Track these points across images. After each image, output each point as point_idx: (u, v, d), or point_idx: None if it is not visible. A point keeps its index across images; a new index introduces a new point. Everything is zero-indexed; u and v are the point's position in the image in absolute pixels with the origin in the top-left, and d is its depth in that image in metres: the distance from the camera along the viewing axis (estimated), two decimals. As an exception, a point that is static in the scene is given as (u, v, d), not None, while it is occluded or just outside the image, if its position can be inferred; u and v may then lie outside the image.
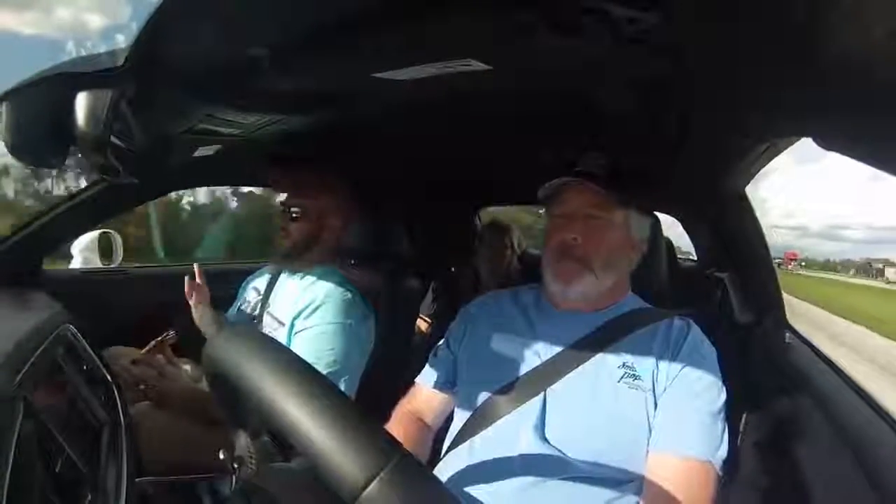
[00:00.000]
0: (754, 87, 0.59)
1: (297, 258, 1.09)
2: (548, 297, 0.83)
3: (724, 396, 0.71)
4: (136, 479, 0.76)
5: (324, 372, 0.94)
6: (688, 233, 1.48)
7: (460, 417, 0.80)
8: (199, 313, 1.15)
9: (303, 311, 1.01)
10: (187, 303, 1.14)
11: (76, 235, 1.60)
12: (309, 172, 1.09)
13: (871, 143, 0.47)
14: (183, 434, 1.05)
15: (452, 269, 1.92)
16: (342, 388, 0.97)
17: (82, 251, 1.78)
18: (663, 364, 0.72)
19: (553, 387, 0.73)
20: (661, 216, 1.04)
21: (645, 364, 0.72)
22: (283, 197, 1.11)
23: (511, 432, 0.72)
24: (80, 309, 0.93)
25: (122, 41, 0.52)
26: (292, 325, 1.02)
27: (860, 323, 12.46)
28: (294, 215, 1.08)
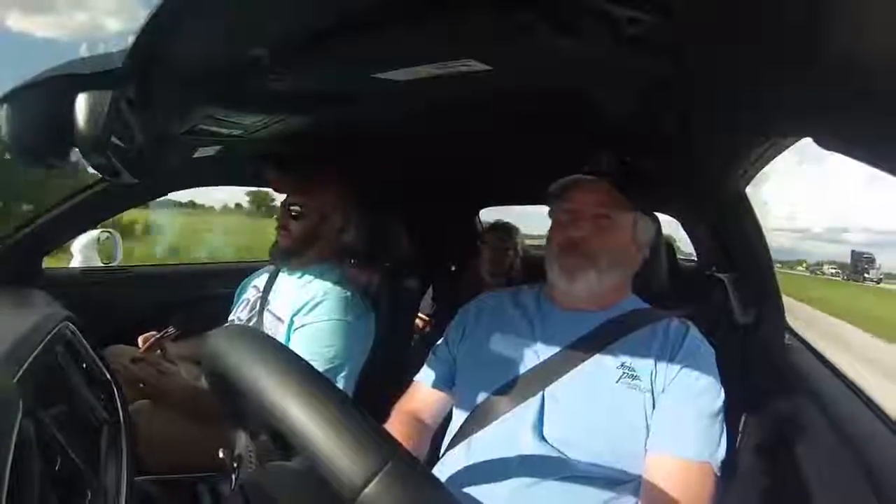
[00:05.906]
0: (754, 87, 0.59)
1: (296, 255, 1.10)
2: (550, 295, 0.83)
3: (722, 397, 0.71)
4: (136, 479, 0.76)
5: (322, 368, 0.95)
6: (688, 233, 1.48)
7: (459, 417, 0.81)
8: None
9: (302, 307, 1.02)
10: (187, 302, 1.14)
11: (76, 235, 1.60)
12: (309, 171, 1.10)
13: (871, 143, 0.47)
14: (183, 433, 1.05)
15: (453, 268, 1.92)
16: (340, 384, 0.97)
17: (82, 251, 1.78)
18: (662, 364, 0.72)
19: (552, 387, 0.73)
20: (661, 216, 1.04)
21: (644, 364, 0.72)
22: (284, 196, 1.12)
23: (510, 432, 0.72)
24: (80, 308, 0.93)
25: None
26: (291, 322, 1.02)
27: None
28: (294, 213, 1.08)
